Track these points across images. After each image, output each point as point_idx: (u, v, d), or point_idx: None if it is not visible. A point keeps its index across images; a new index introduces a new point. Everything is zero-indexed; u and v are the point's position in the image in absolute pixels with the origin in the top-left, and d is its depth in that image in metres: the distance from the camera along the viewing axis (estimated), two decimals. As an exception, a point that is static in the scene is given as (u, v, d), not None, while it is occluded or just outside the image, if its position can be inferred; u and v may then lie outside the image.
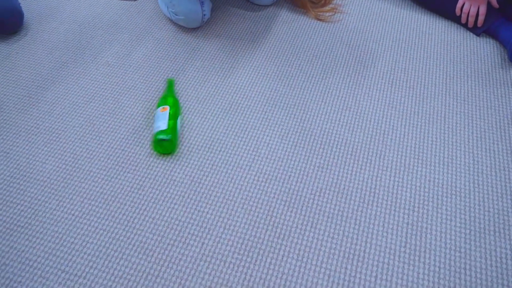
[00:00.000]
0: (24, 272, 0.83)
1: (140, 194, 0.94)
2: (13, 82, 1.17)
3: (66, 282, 0.81)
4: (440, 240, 0.88)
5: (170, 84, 1.12)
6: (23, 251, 0.86)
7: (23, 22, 1.33)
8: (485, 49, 1.27)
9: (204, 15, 1.26)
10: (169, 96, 1.07)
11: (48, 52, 1.26)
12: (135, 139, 1.04)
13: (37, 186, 0.96)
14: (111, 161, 1.00)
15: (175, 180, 0.97)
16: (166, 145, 0.99)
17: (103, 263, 0.84)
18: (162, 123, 1.00)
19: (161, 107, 1.04)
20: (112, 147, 1.03)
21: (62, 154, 1.01)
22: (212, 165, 1.00)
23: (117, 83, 1.17)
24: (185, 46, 1.28)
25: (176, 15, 1.27)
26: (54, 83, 1.17)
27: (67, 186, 0.96)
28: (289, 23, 1.35)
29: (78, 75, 1.19)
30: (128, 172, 0.98)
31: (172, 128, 1.00)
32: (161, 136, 0.98)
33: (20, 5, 1.31)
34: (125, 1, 1.44)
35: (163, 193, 0.95)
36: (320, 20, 1.34)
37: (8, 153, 1.02)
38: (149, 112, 1.10)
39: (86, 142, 1.04)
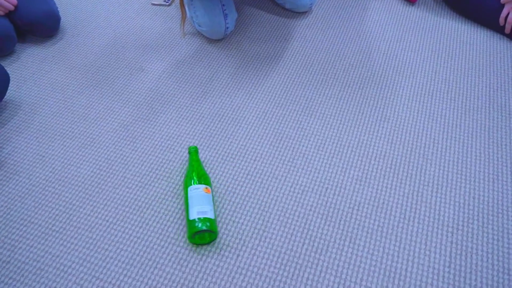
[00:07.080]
0: (59, 278, 0.82)
1: (174, 202, 0.93)
2: (49, 85, 1.18)
3: (100, 290, 0.81)
4: (487, 261, 0.83)
5: (194, 153, 0.96)
6: (58, 256, 0.85)
7: (60, 26, 1.35)
8: (530, 60, 1.22)
9: (227, 27, 1.25)
10: (201, 170, 0.92)
11: (83, 56, 1.27)
12: (169, 146, 1.03)
13: (72, 191, 0.95)
14: (145, 167, 0.99)
15: (209, 189, 0.95)
16: (207, 236, 0.85)
17: (137, 271, 0.83)
18: (208, 208, 0.85)
19: (203, 187, 0.88)
20: (146, 153, 1.02)
21: (97, 159, 1.01)
22: (247, 175, 0.97)
23: (150, 89, 1.17)
24: (219, 46, 1.27)
25: (199, 26, 1.26)
26: (88, 87, 1.18)
27: (101, 191, 0.95)
28: (324, 31, 1.33)
29: (112, 80, 1.19)
30: (162, 180, 0.97)
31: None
32: (206, 228, 0.83)
33: (58, 9, 1.32)
34: (158, 6, 1.44)
35: (197, 202, 0.93)
36: None
37: (43, 156, 1.02)
38: (180, 117, 1.09)
39: (120, 147, 1.03)
